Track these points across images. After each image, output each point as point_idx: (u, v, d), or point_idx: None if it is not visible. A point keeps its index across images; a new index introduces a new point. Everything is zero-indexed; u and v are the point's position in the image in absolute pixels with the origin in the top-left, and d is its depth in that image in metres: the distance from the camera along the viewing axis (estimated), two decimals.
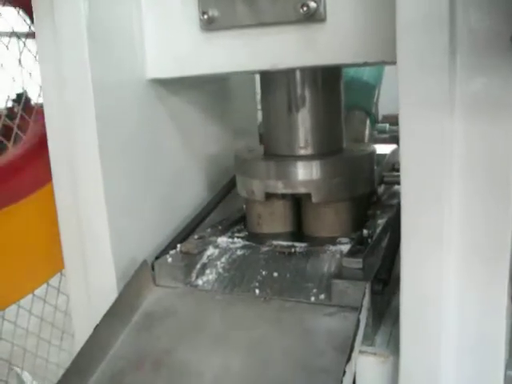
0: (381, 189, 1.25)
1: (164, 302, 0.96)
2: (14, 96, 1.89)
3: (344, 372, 0.71)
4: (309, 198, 1.03)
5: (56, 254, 1.09)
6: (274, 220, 1.11)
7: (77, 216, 0.98)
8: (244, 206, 1.18)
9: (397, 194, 1.19)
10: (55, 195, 1.02)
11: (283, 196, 1.08)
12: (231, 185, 1.21)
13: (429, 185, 0.73)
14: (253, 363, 0.81)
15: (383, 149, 1.33)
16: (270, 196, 1.07)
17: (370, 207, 1.15)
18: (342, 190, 1.04)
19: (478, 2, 0.68)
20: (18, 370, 1.97)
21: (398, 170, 1.10)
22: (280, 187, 1.04)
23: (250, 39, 0.92)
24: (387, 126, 1.68)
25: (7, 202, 1.34)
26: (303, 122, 1.06)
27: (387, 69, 1.44)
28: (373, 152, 1.12)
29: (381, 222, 1.08)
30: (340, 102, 1.11)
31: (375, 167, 1.14)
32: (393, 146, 1.35)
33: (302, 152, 1.07)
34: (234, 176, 1.16)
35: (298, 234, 1.12)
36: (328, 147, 1.09)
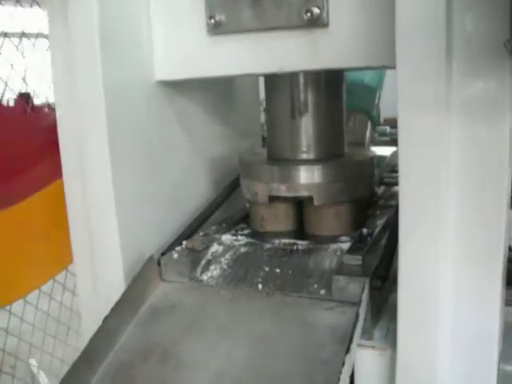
0: (380, 190, 1.28)
1: (170, 296, 0.99)
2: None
3: (343, 363, 0.74)
4: (311, 201, 1.06)
5: (63, 249, 1.12)
6: (277, 221, 1.14)
7: (86, 213, 1.01)
8: (247, 205, 1.21)
9: (396, 195, 1.22)
10: (65, 192, 1.05)
11: (286, 199, 1.10)
12: (235, 184, 1.24)
13: (426, 186, 0.76)
14: (256, 355, 0.84)
15: (383, 151, 1.36)
16: (273, 199, 1.10)
17: (369, 207, 1.18)
18: (342, 193, 1.07)
19: (474, 8, 0.71)
20: (33, 363, 1.99)
21: (397, 172, 1.12)
22: (283, 190, 1.07)
23: (256, 43, 0.95)
24: (388, 128, 1.71)
25: (16, 199, 1.37)
26: (306, 127, 1.09)
27: (388, 73, 1.47)
28: (373, 157, 1.15)
29: (380, 221, 1.11)
30: (342, 107, 1.14)
31: (375, 169, 1.16)
32: (393, 149, 1.37)
33: (305, 156, 1.10)
34: (238, 175, 1.18)
35: (299, 232, 1.14)
36: (330, 152, 1.12)
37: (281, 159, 1.12)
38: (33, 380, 2.04)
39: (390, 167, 1.31)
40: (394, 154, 1.35)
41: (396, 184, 1.24)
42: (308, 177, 1.06)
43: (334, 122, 1.13)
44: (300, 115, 1.09)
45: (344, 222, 1.11)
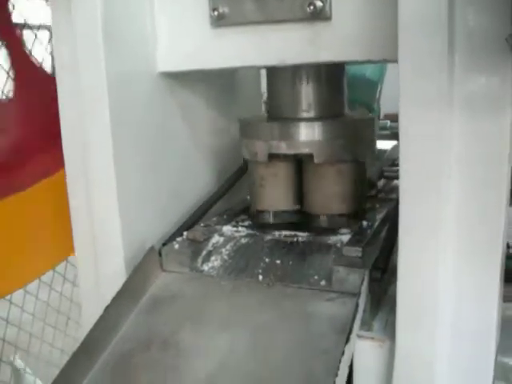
0: (380, 183, 1.29)
1: (171, 287, 0.99)
2: None
3: (343, 352, 0.74)
4: (311, 160, 1.06)
5: (64, 239, 1.13)
6: (277, 182, 1.13)
7: (88, 203, 1.02)
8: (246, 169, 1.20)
9: (396, 189, 1.23)
10: (67, 182, 1.06)
11: (286, 157, 1.10)
12: (237, 175, 1.24)
13: (427, 181, 0.76)
14: (256, 345, 0.85)
15: (384, 145, 1.37)
16: (272, 157, 1.09)
17: (368, 200, 1.19)
18: (343, 151, 1.06)
19: (476, 3, 0.71)
20: (11, 358, 1.99)
21: (397, 166, 1.12)
22: (283, 148, 1.06)
23: (258, 36, 0.95)
24: (388, 122, 1.71)
25: (17, 188, 1.37)
26: (307, 85, 1.09)
27: (388, 68, 1.47)
28: (373, 118, 1.14)
29: (380, 214, 1.12)
30: (343, 69, 1.13)
31: (376, 131, 1.16)
32: (393, 142, 1.38)
33: (305, 115, 1.09)
34: (240, 167, 1.19)
35: (299, 210, 1.14)
36: (330, 111, 1.11)
37: (281, 118, 1.11)
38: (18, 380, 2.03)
39: (390, 161, 1.32)
40: (395, 148, 1.35)
41: (396, 178, 1.24)
42: (308, 134, 1.05)
43: (334, 81, 1.12)
44: (301, 75, 1.08)
45: (345, 185, 1.10)
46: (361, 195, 1.13)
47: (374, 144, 1.15)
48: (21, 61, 1.41)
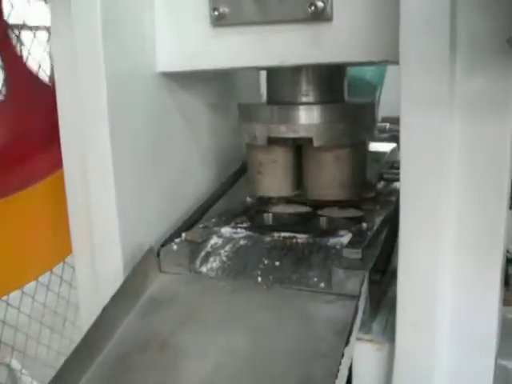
0: (380, 185, 1.28)
1: (169, 288, 0.99)
2: None
3: (342, 355, 0.74)
4: (310, 144, 1.05)
5: (62, 240, 1.12)
6: (275, 168, 1.13)
7: (86, 203, 1.01)
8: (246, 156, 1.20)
9: (395, 191, 1.22)
10: (65, 182, 1.05)
11: (285, 142, 1.10)
12: (236, 176, 1.24)
13: (427, 183, 0.76)
14: (255, 347, 0.84)
15: (383, 147, 1.37)
16: (272, 142, 1.09)
17: (367, 201, 1.18)
18: (342, 135, 1.05)
19: (478, 4, 0.71)
20: (7, 359, 1.99)
21: (397, 168, 1.12)
22: (282, 131, 1.06)
23: (259, 36, 0.95)
24: (387, 125, 1.71)
25: (15, 188, 1.37)
26: (306, 70, 1.08)
27: (387, 73, 1.47)
28: (373, 103, 1.14)
29: (380, 216, 1.11)
30: None
31: (375, 115, 1.16)
32: (392, 145, 1.38)
33: (305, 99, 1.09)
34: (239, 168, 1.19)
35: (298, 196, 1.14)
36: (330, 96, 1.10)
37: (280, 102, 1.11)
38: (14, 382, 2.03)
39: (390, 163, 1.32)
40: (394, 151, 1.35)
41: (395, 180, 1.24)
42: (308, 117, 1.04)
43: (334, 67, 1.11)
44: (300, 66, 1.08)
45: (344, 170, 1.09)
46: (361, 181, 1.12)
47: (374, 129, 1.14)
48: (13, 65, 1.40)
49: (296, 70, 1.08)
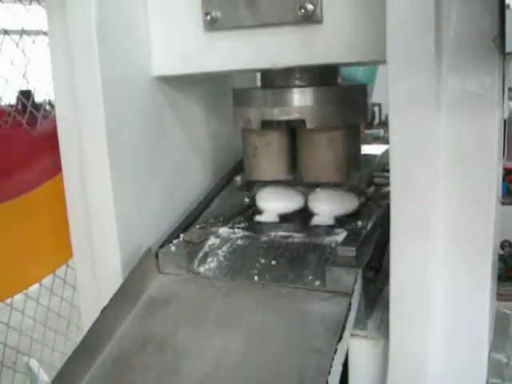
0: (371, 190, 1.26)
1: (168, 288, 1.00)
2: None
3: (336, 350, 0.75)
4: (303, 127, 1.06)
5: (64, 243, 1.14)
6: (270, 152, 1.14)
7: (85, 205, 1.03)
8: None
9: (387, 196, 1.21)
10: (64, 185, 1.07)
11: (279, 125, 1.11)
12: (230, 176, 1.25)
13: (416, 177, 0.77)
14: (251, 344, 0.86)
15: (374, 149, 1.36)
16: (265, 126, 1.10)
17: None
18: (335, 117, 1.06)
19: (463, 4, 0.72)
20: (26, 358, 2.01)
21: (388, 171, 1.09)
22: (276, 114, 1.07)
23: (251, 39, 0.96)
24: (381, 132, 1.70)
25: (17, 192, 1.38)
26: None
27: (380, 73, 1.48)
28: (366, 85, 1.15)
29: (374, 215, 1.12)
30: None
31: (368, 98, 1.15)
32: (384, 147, 1.37)
33: (298, 82, 1.10)
34: (233, 168, 1.20)
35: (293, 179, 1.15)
36: (323, 79, 1.11)
37: (274, 86, 1.12)
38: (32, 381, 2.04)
39: (381, 166, 1.31)
40: (385, 153, 1.34)
41: (387, 184, 1.23)
42: (300, 99, 1.05)
43: None
44: None
45: (337, 150, 1.10)
46: (354, 163, 1.12)
47: (367, 111, 1.15)
48: None
49: None
